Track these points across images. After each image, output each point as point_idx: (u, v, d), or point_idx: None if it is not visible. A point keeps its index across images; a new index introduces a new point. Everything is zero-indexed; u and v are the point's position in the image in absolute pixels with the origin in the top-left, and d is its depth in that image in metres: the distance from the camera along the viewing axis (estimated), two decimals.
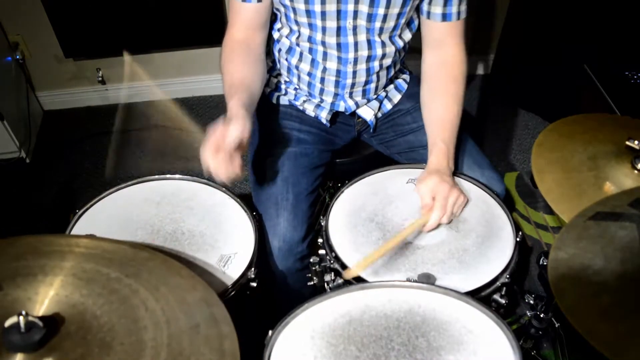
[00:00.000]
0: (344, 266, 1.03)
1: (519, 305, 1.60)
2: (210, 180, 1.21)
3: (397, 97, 1.39)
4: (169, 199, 1.18)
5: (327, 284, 1.08)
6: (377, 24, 1.16)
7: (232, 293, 1.00)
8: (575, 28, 2.12)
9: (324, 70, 1.24)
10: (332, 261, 1.06)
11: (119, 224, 1.12)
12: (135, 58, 2.50)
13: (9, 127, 2.18)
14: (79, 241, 0.84)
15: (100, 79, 2.52)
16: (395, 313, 0.88)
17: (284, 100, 1.38)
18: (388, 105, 1.39)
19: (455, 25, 1.20)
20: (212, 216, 1.14)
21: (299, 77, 1.30)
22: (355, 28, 1.16)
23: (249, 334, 0.87)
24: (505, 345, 0.83)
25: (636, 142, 0.98)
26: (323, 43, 1.19)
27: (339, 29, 1.16)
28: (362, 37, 1.18)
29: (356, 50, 1.20)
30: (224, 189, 1.20)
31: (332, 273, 1.06)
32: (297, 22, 1.18)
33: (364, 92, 1.30)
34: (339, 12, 1.13)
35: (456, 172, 1.22)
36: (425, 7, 1.20)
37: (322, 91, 1.29)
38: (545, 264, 1.05)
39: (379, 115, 1.38)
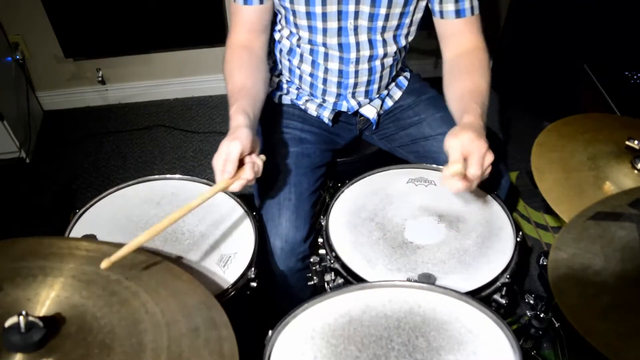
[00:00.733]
0: (344, 266, 1.03)
1: (519, 305, 1.60)
2: (210, 180, 1.21)
3: (398, 94, 1.40)
4: (169, 199, 1.18)
5: (327, 284, 1.08)
6: (380, 23, 1.16)
7: (232, 293, 1.00)
8: (575, 28, 2.12)
9: (326, 71, 1.24)
10: (332, 261, 1.06)
11: (119, 224, 1.12)
12: (136, 58, 2.51)
13: (9, 127, 2.18)
14: (79, 244, 0.85)
15: (100, 79, 2.52)
16: (395, 313, 0.88)
17: (286, 100, 1.38)
18: (389, 102, 1.39)
19: (471, 21, 1.17)
20: (212, 216, 1.14)
21: (300, 78, 1.30)
22: (356, 28, 1.16)
23: (249, 334, 0.87)
24: (505, 345, 0.82)
25: (636, 142, 0.98)
26: (324, 44, 1.19)
27: (340, 29, 1.16)
28: (363, 37, 1.18)
29: (358, 50, 1.19)
30: None
31: (333, 273, 1.06)
32: (296, 25, 1.18)
33: (367, 93, 1.30)
34: (339, 12, 1.13)
35: None
36: (436, 7, 1.17)
37: (324, 92, 1.29)
38: (545, 264, 1.05)
39: (381, 112, 1.39)
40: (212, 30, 2.44)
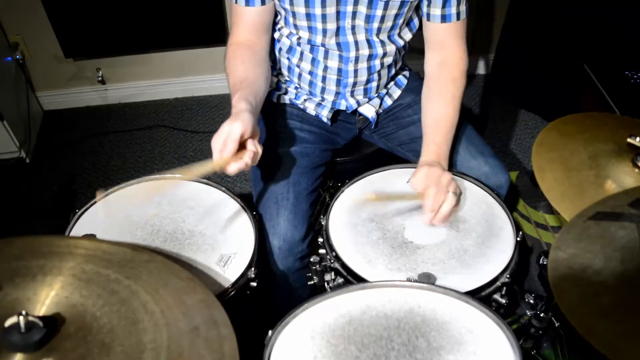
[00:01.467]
0: (344, 265, 1.03)
1: (519, 305, 1.60)
2: (210, 179, 1.21)
3: (397, 92, 1.40)
4: (169, 199, 1.18)
5: (327, 284, 1.08)
6: (375, 25, 1.16)
7: (232, 293, 1.00)
8: (575, 28, 2.12)
9: (325, 69, 1.24)
10: (332, 261, 1.06)
11: (119, 224, 1.12)
12: (136, 58, 2.51)
13: (9, 127, 2.18)
14: (78, 242, 0.84)
15: (100, 79, 2.52)
16: (395, 313, 0.88)
17: (284, 100, 1.38)
18: (389, 101, 1.39)
19: (455, 26, 1.20)
20: (212, 216, 1.14)
21: (299, 76, 1.30)
22: (353, 28, 1.16)
23: (249, 334, 0.87)
24: (505, 345, 0.82)
25: (638, 139, 0.98)
26: (323, 45, 1.19)
27: (338, 29, 1.16)
28: (361, 37, 1.18)
29: (357, 49, 1.20)
30: (223, 188, 1.20)
31: (333, 273, 1.06)
32: (296, 26, 1.18)
33: (366, 91, 1.30)
34: (338, 13, 1.13)
35: (456, 171, 1.22)
36: (424, 9, 1.20)
37: (323, 90, 1.29)
38: (545, 263, 1.05)
39: (380, 111, 1.39)
40: (212, 30, 2.44)
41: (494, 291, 1.00)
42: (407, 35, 1.26)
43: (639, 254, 0.76)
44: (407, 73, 1.43)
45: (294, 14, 1.15)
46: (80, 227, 1.11)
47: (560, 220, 1.96)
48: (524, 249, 1.86)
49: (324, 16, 1.13)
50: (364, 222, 1.11)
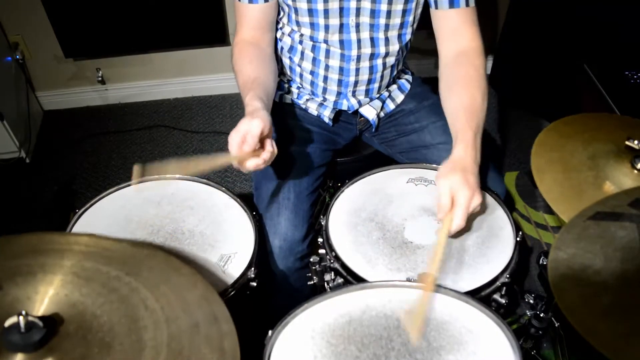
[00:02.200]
0: (344, 265, 1.03)
1: (519, 305, 1.60)
2: (210, 179, 1.21)
3: (400, 97, 1.39)
4: (169, 199, 1.18)
5: (327, 284, 1.08)
6: (382, 21, 1.16)
7: (232, 293, 1.00)
8: (575, 28, 2.12)
9: (327, 68, 1.24)
10: (332, 261, 1.06)
11: (119, 224, 1.12)
12: (135, 58, 2.51)
13: (9, 127, 2.18)
14: (79, 239, 0.84)
15: (100, 79, 2.53)
16: (395, 313, 0.88)
17: (286, 99, 1.38)
18: (391, 105, 1.39)
19: (466, 13, 1.15)
20: (212, 216, 1.14)
21: (301, 76, 1.30)
22: (358, 25, 1.16)
23: (249, 333, 0.87)
24: (505, 345, 0.82)
25: (636, 141, 0.98)
26: (325, 41, 1.19)
27: (341, 26, 1.16)
28: (365, 35, 1.18)
29: (359, 47, 1.20)
30: (223, 188, 1.20)
31: (332, 272, 1.06)
32: (298, 23, 1.18)
33: (367, 92, 1.30)
34: (341, 9, 1.13)
35: None
36: None
37: (325, 90, 1.29)
38: (545, 263, 1.05)
39: (382, 115, 1.38)
40: (212, 30, 2.44)
41: (493, 291, 1.00)
42: (411, 35, 1.25)
43: (639, 254, 0.76)
44: (409, 77, 1.42)
45: (296, 10, 1.15)
46: (81, 227, 1.11)
47: (560, 220, 1.96)
48: (524, 249, 1.86)
49: (326, 11, 1.13)
50: (364, 222, 1.11)
